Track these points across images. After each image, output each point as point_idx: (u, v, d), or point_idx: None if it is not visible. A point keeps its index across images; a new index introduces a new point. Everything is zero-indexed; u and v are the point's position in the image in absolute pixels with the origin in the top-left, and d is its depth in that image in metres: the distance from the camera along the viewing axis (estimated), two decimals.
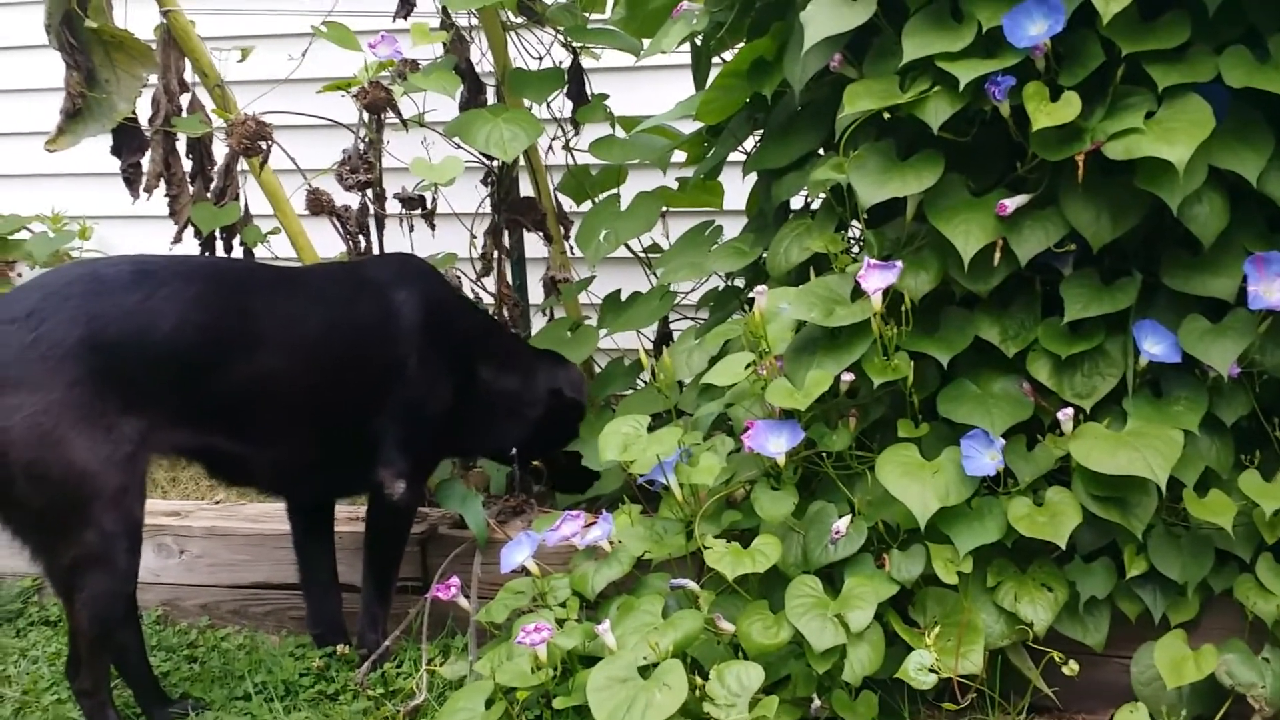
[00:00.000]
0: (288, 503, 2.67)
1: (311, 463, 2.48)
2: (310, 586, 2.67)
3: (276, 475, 2.50)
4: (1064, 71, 2.03)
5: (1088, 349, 2.09)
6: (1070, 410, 2.06)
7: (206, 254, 3.08)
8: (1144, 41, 1.98)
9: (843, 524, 2.10)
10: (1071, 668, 2.02)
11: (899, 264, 2.09)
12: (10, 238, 4.15)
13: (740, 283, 2.74)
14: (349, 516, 2.75)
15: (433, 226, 3.06)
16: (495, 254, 3.17)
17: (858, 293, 2.14)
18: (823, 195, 2.32)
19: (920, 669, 1.99)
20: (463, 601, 2.33)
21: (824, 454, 2.18)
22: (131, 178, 3.06)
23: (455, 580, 2.29)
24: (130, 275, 2.25)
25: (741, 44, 2.51)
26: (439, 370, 2.53)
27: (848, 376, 2.14)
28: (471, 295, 3.16)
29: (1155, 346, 2.05)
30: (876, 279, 2.08)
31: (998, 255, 2.08)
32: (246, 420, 2.36)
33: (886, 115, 2.15)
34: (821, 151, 2.41)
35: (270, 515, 2.88)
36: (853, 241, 2.39)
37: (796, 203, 2.54)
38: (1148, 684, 2.08)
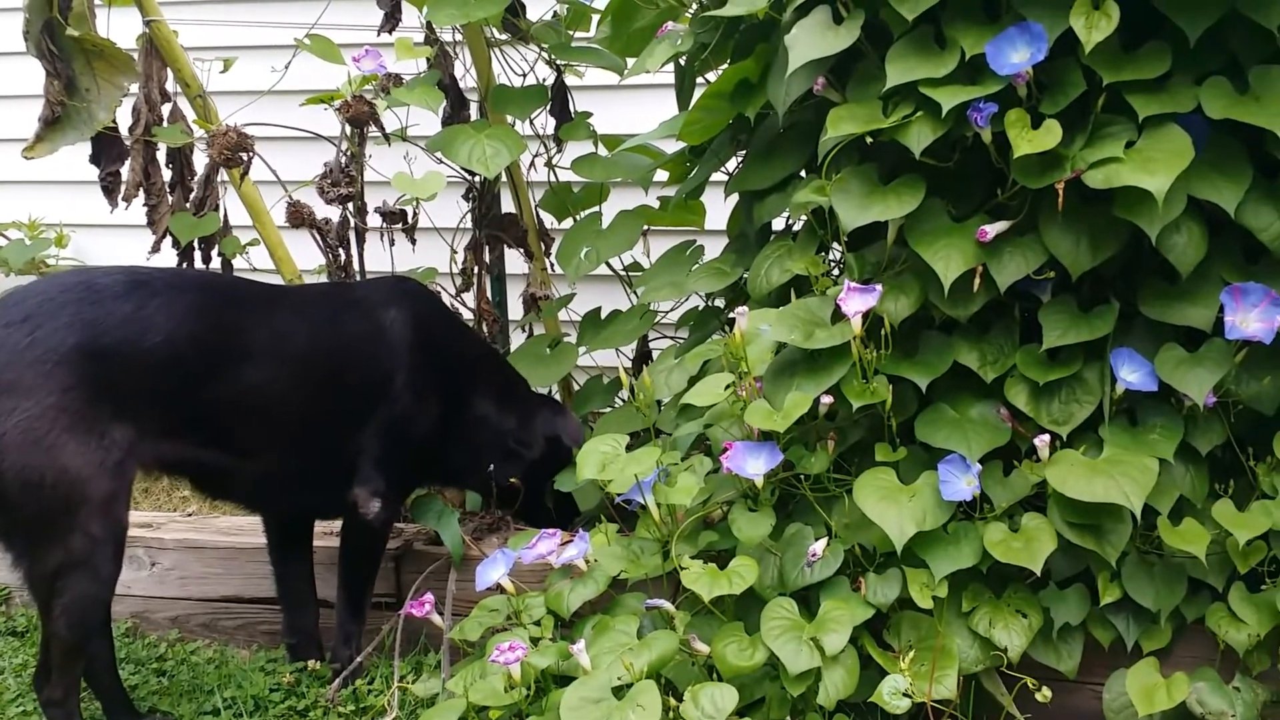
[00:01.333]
0: (266, 517, 2.65)
1: (295, 478, 2.47)
2: (287, 598, 2.65)
3: (259, 490, 2.49)
4: (1045, 99, 2.04)
5: (1065, 376, 2.10)
6: (1047, 437, 2.07)
7: (187, 265, 3.07)
8: (1125, 71, 2.00)
9: (819, 546, 2.10)
10: (1044, 694, 2.02)
11: (879, 288, 2.09)
12: None
13: (720, 303, 2.74)
14: (324, 531, 2.73)
15: (413, 241, 3.06)
16: (475, 270, 3.17)
17: (838, 316, 2.15)
18: (804, 217, 2.33)
19: (894, 693, 1.98)
20: (436, 618, 2.32)
21: (802, 476, 2.18)
22: (110, 186, 3.04)
23: (429, 597, 2.27)
24: (124, 285, 2.27)
25: (726, 65, 2.51)
26: (425, 391, 2.52)
27: (827, 399, 2.14)
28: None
29: (1132, 374, 2.06)
30: (857, 302, 2.08)
31: (977, 281, 2.09)
32: (232, 433, 2.36)
33: (869, 139, 2.15)
34: (804, 174, 2.42)
35: (243, 529, 2.86)
36: (833, 264, 2.40)
37: (778, 224, 2.55)
38: (1119, 711, 2.08)
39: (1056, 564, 2.09)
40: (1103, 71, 1.99)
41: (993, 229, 2.08)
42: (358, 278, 3.00)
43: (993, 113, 2.01)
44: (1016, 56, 1.99)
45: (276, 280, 2.98)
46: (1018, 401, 2.11)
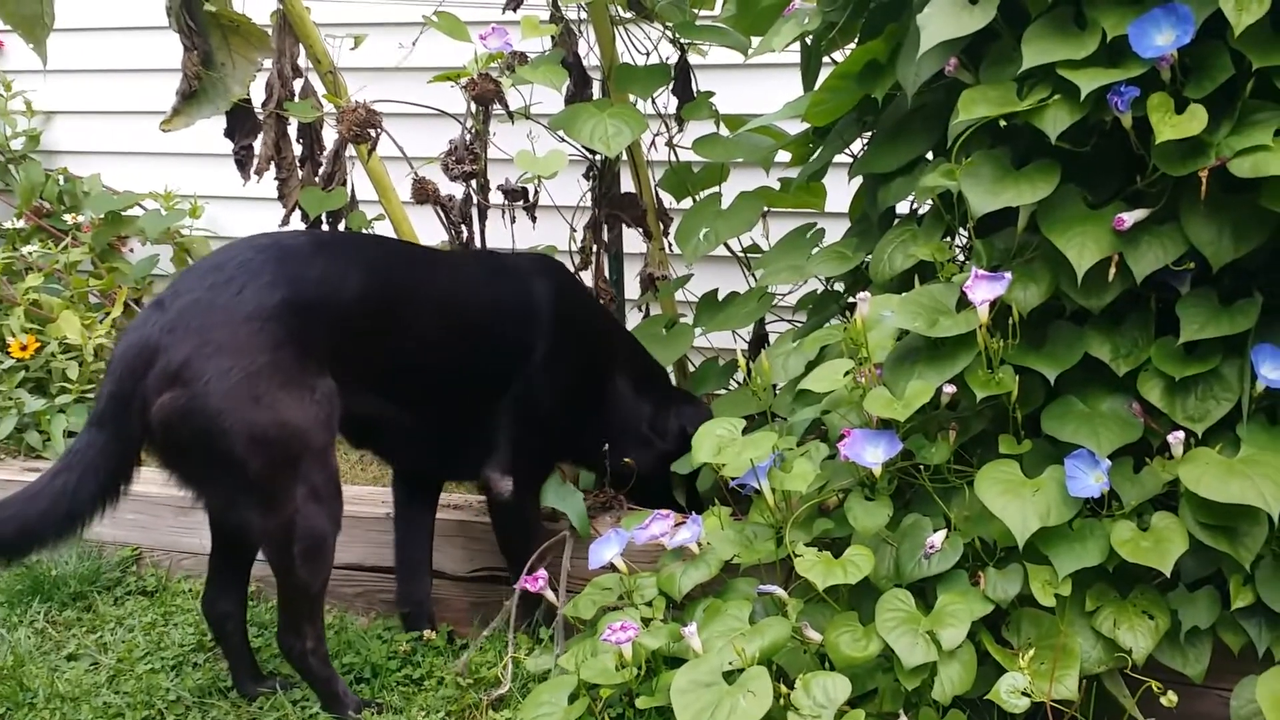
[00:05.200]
0: (401, 478, 2.72)
1: (447, 436, 2.55)
2: (404, 566, 2.71)
3: (414, 445, 2.56)
4: (1190, 84, 1.96)
5: (1202, 371, 2.02)
6: (1181, 434, 2.00)
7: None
8: (1276, 55, 1.90)
9: (938, 539, 2.06)
10: (1170, 699, 1.96)
11: (1008, 275, 2.04)
12: (124, 213, 4.27)
13: (840, 287, 2.70)
14: (442, 504, 2.78)
15: (534, 219, 3.08)
16: (594, 248, 3.18)
17: (963, 303, 2.10)
18: (930, 202, 2.28)
19: (1012, 691, 1.94)
20: (550, 594, 2.34)
21: (921, 466, 2.14)
22: (243, 159, 3.12)
23: (543, 572, 2.30)
24: (311, 244, 2.38)
25: (853, 45, 2.47)
26: (565, 361, 2.58)
27: (949, 388, 2.10)
28: None
29: (1274, 372, 1.98)
30: (984, 290, 2.03)
31: (1113, 270, 2.02)
32: (402, 387, 2.44)
33: (1002, 123, 2.10)
34: (930, 157, 2.37)
35: (363, 498, 2.92)
36: (959, 250, 2.35)
37: (902, 208, 2.50)
38: (1248, 719, 2.01)
39: (1186, 565, 2.01)
40: (1252, 55, 1.90)
41: (1130, 217, 2.01)
42: None
43: (1134, 97, 1.94)
44: (1161, 39, 1.92)
45: None
46: (1151, 396, 2.04)
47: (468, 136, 2.85)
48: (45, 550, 2.29)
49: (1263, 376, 1.98)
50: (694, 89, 3.10)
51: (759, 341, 3.14)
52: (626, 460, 2.67)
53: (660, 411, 2.64)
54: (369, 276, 2.37)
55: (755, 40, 2.82)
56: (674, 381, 3.26)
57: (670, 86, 3.06)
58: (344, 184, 3.11)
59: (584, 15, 3.05)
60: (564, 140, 2.89)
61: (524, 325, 2.56)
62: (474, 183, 2.94)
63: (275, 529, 2.23)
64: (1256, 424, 2.02)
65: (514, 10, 3.01)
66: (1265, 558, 2.00)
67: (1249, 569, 1.98)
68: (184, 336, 2.17)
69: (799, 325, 2.84)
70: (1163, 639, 2.01)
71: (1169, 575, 1.96)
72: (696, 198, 3.08)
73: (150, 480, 2.39)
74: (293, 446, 2.20)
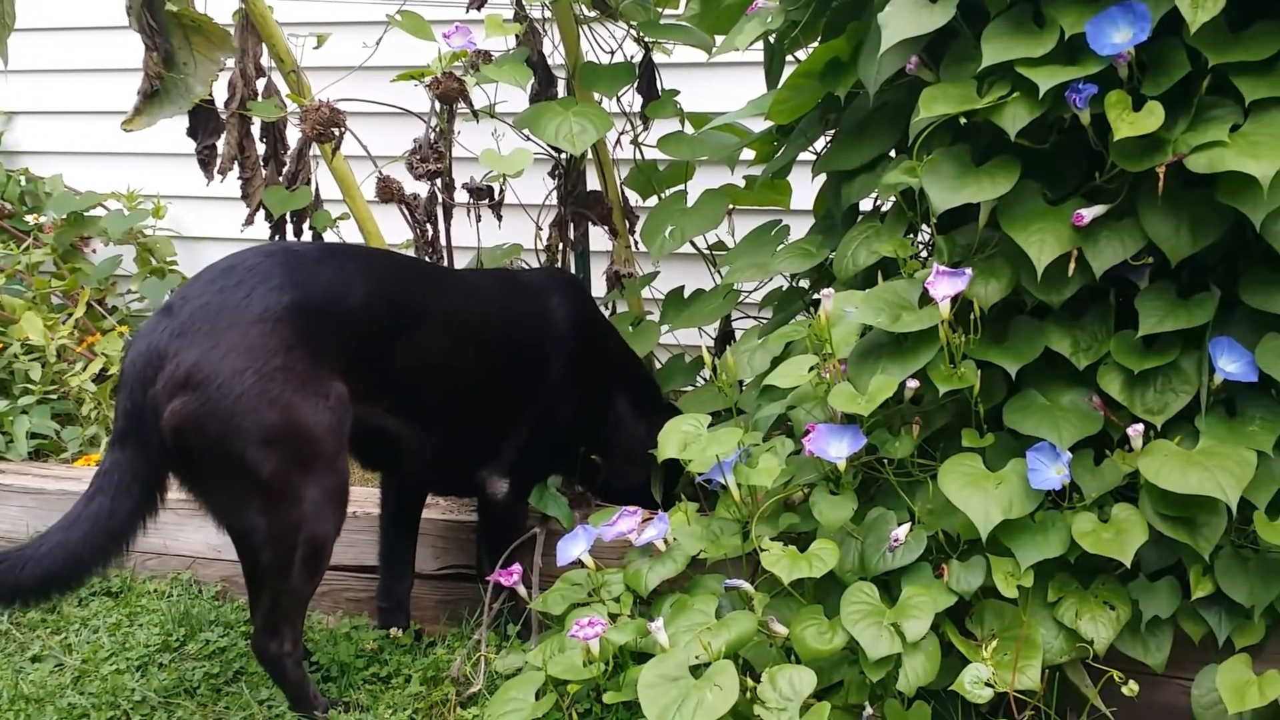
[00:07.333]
0: (393, 483, 2.71)
1: (455, 453, 2.54)
2: (389, 564, 2.71)
3: (424, 463, 2.54)
4: (1147, 81, 1.99)
5: (1161, 364, 2.05)
6: (1140, 426, 2.02)
7: (280, 238, 3.12)
8: (1231, 52, 1.94)
9: (902, 532, 2.08)
10: (1131, 688, 1.98)
11: (969, 271, 2.06)
12: (86, 214, 4.23)
13: (805, 284, 2.72)
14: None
15: (499, 217, 3.08)
16: (560, 246, 3.19)
17: (926, 299, 2.12)
18: (893, 199, 2.30)
19: (976, 682, 1.96)
20: (522, 590, 2.34)
21: (885, 460, 2.16)
22: (206, 159, 3.11)
23: (517, 567, 2.30)
24: (321, 251, 2.38)
25: (816, 43, 2.49)
26: (582, 379, 2.60)
27: (912, 383, 2.12)
28: None
29: (1231, 364, 2.00)
30: (945, 286, 2.05)
31: (1072, 266, 2.05)
32: (415, 402, 2.42)
33: (963, 120, 2.12)
34: (893, 154, 2.39)
35: None
36: (922, 246, 2.37)
37: (866, 205, 2.52)
38: (1209, 707, 2.04)
39: (1147, 556, 2.04)
40: (1208, 53, 1.93)
41: (1089, 213, 2.03)
42: (445, 253, 3.03)
43: (1092, 94, 1.97)
44: (1118, 36, 1.94)
45: None
46: (1111, 390, 2.07)
47: (432, 135, 2.84)
48: (95, 574, 2.30)
49: (1220, 369, 2.01)
50: (659, 87, 3.11)
51: (725, 338, 3.15)
52: (594, 458, 2.68)
53: (655, 431, 2.62)
54: (377, 286, 2.36)
55: (719, 39, 2.83)
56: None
57: (635, 85, 3.07)
58: (308, 183, 3.10)
59: (548, 14, 3.06)
60: (529, 139, 2.89)
61: (542, 341, 2.58)
62: (439, 181, 2.94)
63: (281, 532, 2.21)
64: (1215, 416, 2.05)
65: (478, 9, 3.01)
66: (1224, 548, 2.03)
67: (1208, 559, 2.01)
68: (192, 340, 2.14)
69: (764, 322, 2.86)
70: (1124, 629, 2.03)
71: (1129, 566, 1.98)
72: (662, 195, 3.09)
73: None
74: (306, 450, 2.18)
